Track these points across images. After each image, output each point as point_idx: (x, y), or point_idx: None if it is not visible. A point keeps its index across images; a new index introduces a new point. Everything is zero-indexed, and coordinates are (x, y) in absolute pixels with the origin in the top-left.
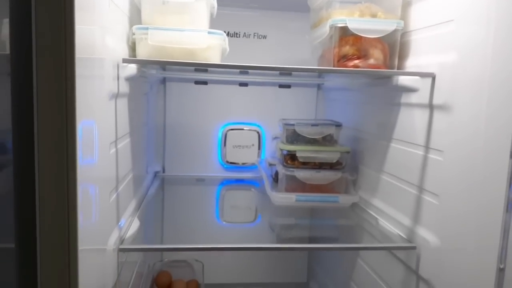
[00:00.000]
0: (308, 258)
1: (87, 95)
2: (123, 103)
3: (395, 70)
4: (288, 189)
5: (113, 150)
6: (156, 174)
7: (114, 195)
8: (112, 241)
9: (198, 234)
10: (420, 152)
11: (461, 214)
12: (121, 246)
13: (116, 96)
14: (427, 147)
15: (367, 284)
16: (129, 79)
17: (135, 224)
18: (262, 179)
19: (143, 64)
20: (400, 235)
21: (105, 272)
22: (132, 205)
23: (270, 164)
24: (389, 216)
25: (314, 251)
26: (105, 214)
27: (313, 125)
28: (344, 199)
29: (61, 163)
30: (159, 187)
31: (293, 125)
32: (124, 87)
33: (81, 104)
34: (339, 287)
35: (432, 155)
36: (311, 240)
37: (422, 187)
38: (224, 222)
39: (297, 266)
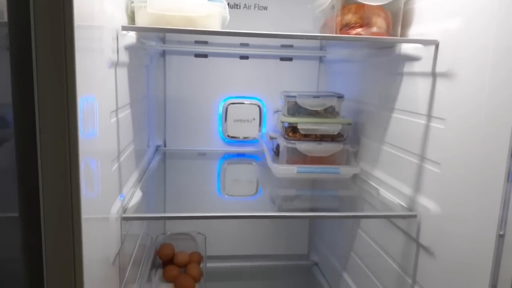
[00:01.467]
0: (309, 230)
1: (86, 63)
2: (123, 73)
3: (398, 38)
4: (289, 162)
5: (114, 119)
6: (157, 148)
7: (116, 165)
8: (114, 210)
9: (200, 207)
10: (422, 121)
11: (462, 182)
12: (124, 215)
13: (116, 64)
14: (429, 116)
15: (368, 254)
16: (129, 49)
17: (138, 194)
18: (263, 153)
19: (143, 31)
20: (401, 204)
21: (109, 241)
22: (134, 176)
23: (271, 138)
24: (390, 186)
25: (314, 222)
26: (107, 183)
27: (314, 97)
28: (345, 171)
29: (62, 133)
30: (160, 161)
31: (294, 97)
32: (124, 56)
33: (81, 73)
34: (340, 258)
35: (434, 124)
36: (312, 210)
37: (423, 156)
38: (225, 195)
39: (297, 238)
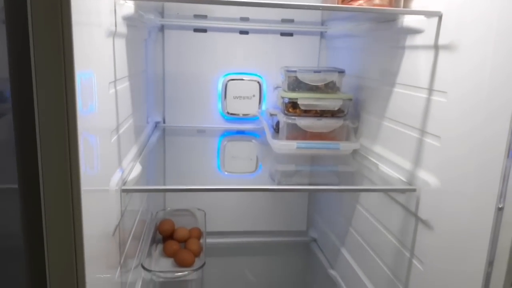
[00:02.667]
0: (308, 207)
1: (84, 34)
2: (121, 44)
3: (401, 9)
4: (289, 138)
5: (112, 90)
6: (156, 125)
7: (115, 137)
8: (114, 182)
9: (199, 183)
10: (423, 95)
11: (462, 156)
12: (124, 187)
13: (114, 34)
14: (430, 90)
15: (366, 229)
16: (127, 20)
17: (137, 168)
18: (263, 130)
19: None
20: (400, 179)
21: (108, 213)
22: (133, 151)
23: (271, 115)
24: (389, 161)
25: (313, 199)
26: (107, 155)
27: (315, 71)
28: (345, 146)
29: (61, 105)
30: (159, 138)
31: (295, 71)
32: (122, 28)
33: (78, 42)
34: (338, 234)
35: (435, 97)
36: (311, 185)
37: (423, 130)
38: (225, 172)
39: (296, 215)
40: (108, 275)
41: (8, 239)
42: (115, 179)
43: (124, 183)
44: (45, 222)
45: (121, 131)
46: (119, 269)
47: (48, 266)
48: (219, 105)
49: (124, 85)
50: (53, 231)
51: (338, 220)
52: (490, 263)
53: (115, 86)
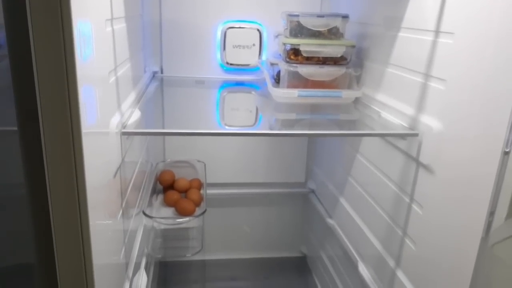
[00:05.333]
0: (307, 159)
1: None
2: None
3: None
4: (290, 86)
5: (109, 28)
6: (154, 74)
7: (114, 78)
8: (114, 124)
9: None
10: (429, 38)
11: (467, 99)
12: (123, 130)
13: None
14: (437, 32)
15: (365, 177)
16: None
17: (136, 113)
18: (263, 81)
19: None
20: (402, 125)
21: (109, 156)
22: (132, 97)
23: (272, 64)
24: (392, 108)
25: (312, 150)
26: (105, 95)
27: (318, 16)
28: (347, 94)
29: (58, 42)
30: (157, 88)
31: (297, 16)
32: None
33: None
34: (337, 184)
35: (442, 39)
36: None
37: (428, 74)
38: (224, 125)
39: (295, 166)
40: (110, 217)
41: (10, 184)
42: (115, 121)
43: (124, 127)
44: (47, 163)
45: (119, 73)
46: (121, 212)
47: (51, 204)
48: (218, 55)
49: (120, 26)
50: (56, 172)
51: (337, 170)
52: (492, 212)
53: (112, 25)
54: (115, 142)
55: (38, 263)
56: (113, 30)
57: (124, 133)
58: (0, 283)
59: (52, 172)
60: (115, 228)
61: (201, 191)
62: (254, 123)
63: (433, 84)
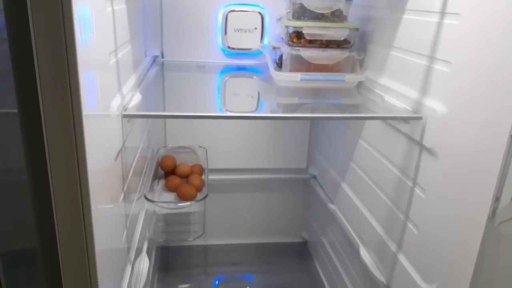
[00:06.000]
0: (308, 145)
1: None
2: None
3: None
4: (293, 70)
5: (109, 8)
6: (155, 59)
7: (114, 59)
8: (115, 107)
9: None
10: (435, 19)
11: (472, 81)
12: (124, 113)
13: None
14: (442, 13)
15: (368, 162)
16: None
17: (137, 97)
18: (265, 66)
19: None
20: (406, 108)
21: (110, 139)
22: (133, 80)
23: (274, 48)
24: (395, 92)
25: (314, 136)
26: (106, 77)
27: None
28: (350, 78)
29: (57, 19)
30: (158, 73)
31: None
32: None
33: None
34: (339, 169)
35: (447, 21)
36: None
37: (433, 56)
38: (226, 110)
39: (297, 152)
40: (112, 201)
41: (10, 167)
42: (115, 104)
43: (125, 110)
44: (48, 146)
45: (119, 55)
46: (122, 196)
47: (52, 187)
48: (219, 39)
49: (121, 7)
50: (57, 155)
51: (339, 156)
52: (498, 197)
53: (112, 5)
54: (116, 124)
55: (41, 247)
56: (113, 10)
57: (125, 116)
58: (4, 268)
59: (53, 155)
60: (117, 212)
61: (203, 177)
62: (256, 109)
63: (438, 66)
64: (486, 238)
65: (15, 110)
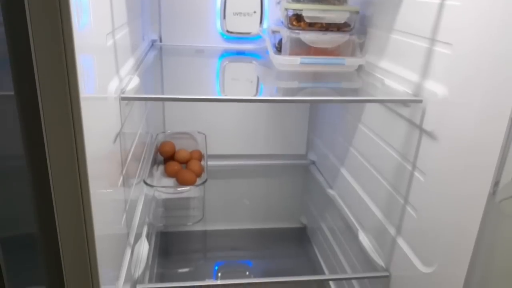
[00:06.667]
0: (308, 130)
1: None
2: None
3: None
4: (292, 54)
5: None
6: (153, 43)
7: (111, 41)
8: (112, 89)
9: (199, 104)
10: (436, 0)
11: (474, 63)
12: (122, 95)
13: None
14: None
15: (367, 147)
16: None
17: (135, 80)
18: (264, 50)
19: None
20: (406, 91)
21: (109, 121)
22: (130, 63)
23: (274, 32)
24: (396, 75)
25: (313, 122)
26: (103, 59)
27: None
28: (350, 62)
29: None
30: (156, 57)
31: None
32: None
33: None
34: (338, 154)
35: (448, 1)
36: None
37: (434, 38)
38: (225, 95)
39: (296, 138)
40: (111, 185)
41: (8, 152)
42: (113, 86)
43: (123, 93)
44: (45, 129)
45: (117, 36)
46: (121, 180)
47: (50, 170)
48: (218, 23)
49: None
50: (55, 138)
51: (339, 141)
52: (497, 182)
53: None
54: (114, 107)
55: (40, 232)
56: None
57: (123, 98)
58: (4, 253)
59: (51, 138)
60: (116, 196)
61: (202, 162)
62: (256, 94)
63: (439, 48)
64: (487, 216)
65: (12, 93)
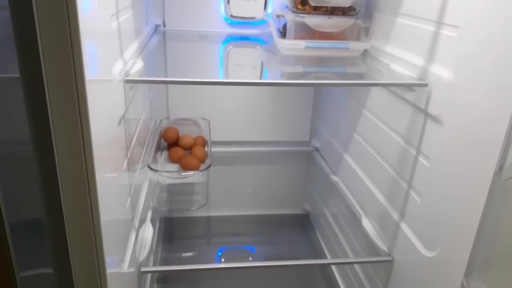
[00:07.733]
0: (312, 117)
1: None
2: None
3: None
4: (297, 38)
5: None
6: (156, 28)
7: (115, 23)
8: (116, 72)
9: (203, 90)
10: None
11: (480, 46)
12: (127, 78)
13: None
14: None
15: (372, 133)
16: None
17: (139, 63)
18: (268, 35)
19: None
20: (411, 76)
21: (113, 104)
22: (134, 47)
23: (278, 16)
24: (401, 60)
25: (317, 107)
26: (107, 41)
27: None
28: (355, 46)
29: None
30: (160, 41)
31: None
32: None
33: None
34: (342, 141)
35: None
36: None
37: (441, 21)
38: (229, 79)
39: (300, 125)
40: (115, 168)
41: (16, 139)
42: (117, 69)
43: (127, 76)
44: (51, 111)
45: (120, 19)
46: (126, 163)
47: (56, 152)
48: (222, 8)
49: None
50: (60, 120)
51: (343, 127)
52: (501, 167)
53: None
54: (119, 90)
55: (47, 216)
56: None
57: (127, 81)
58: (12, 238)
59: (56, 121)
60: (121, 180)
61: (206, 148)
62: (260, 78)
63: (445, 32)
64: (491, 197)
65: (17, 75)
